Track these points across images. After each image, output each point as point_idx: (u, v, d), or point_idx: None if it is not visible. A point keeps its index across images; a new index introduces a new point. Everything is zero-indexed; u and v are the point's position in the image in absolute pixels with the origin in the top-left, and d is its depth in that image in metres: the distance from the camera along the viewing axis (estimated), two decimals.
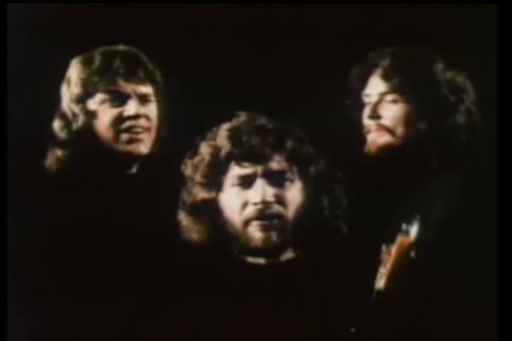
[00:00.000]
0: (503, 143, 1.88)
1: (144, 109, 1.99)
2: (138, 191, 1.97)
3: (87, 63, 1.98)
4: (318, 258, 1.85)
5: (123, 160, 1.99)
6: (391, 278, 1.77)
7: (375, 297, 1.79)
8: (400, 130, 1.89)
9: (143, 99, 1.99)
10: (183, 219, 1.88)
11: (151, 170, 2.01)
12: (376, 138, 1.90)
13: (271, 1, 2.04)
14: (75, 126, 1.97)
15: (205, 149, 1.86)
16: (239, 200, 1.82)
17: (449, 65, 1.91)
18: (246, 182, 1.82)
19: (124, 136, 1.96)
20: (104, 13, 2.07)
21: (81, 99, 1.97)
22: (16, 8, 2.03)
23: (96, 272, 1.87)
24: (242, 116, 1.87)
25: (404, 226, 1.81)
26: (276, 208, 1.81)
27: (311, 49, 2.07)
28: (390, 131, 1.89)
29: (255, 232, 1.81)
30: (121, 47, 2.00)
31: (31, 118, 2.02)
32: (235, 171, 1.83)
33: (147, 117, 1.99)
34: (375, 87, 1.92)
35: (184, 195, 1.88)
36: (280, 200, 1.81)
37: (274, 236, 1.81)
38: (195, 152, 1.88)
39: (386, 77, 1.91)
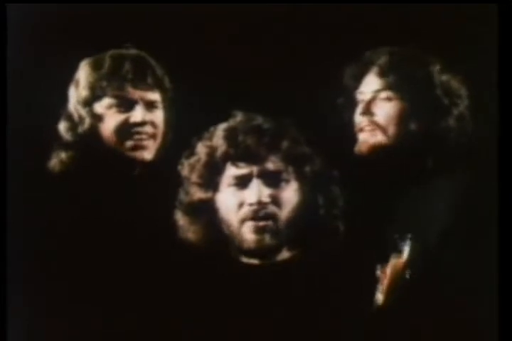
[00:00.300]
0: (501, 148, 1.88)
1: (150, 115, 1.99)
2: (139, 192, 1.97)
3: (96, 66, 1.98)
4: (314, 258, 1.85)
5: (126, 164, 1.99)
6: (388, 296, 1.77)
7: (375, 311, 1.79)
8: (392, 129, 1.89)
9: (150, 105, 1.99)
10: (180, 218, 1.88)
11: (152, 172, 2.01)
12: (368, 138, 1.90)
13: (268, 1, 2.04)
14: (80, 129, 1.97)
15: (201, 149, 1.87)
16: (235, 200, 1.82)
17: (446, 66, 1.91)
18: (242, 182, 1.82)
19: (129, 143, 1.96)
20: (105, 13, 2.07)
21: (88, 102, 1.97)
22: (16, 8, 2.03)
23: (96, 272, 1.88)
24: (239, 116, 1.87)
25: (397, 244, 1.81)
26: (272, 209, 1.81)
27: (307, 49, 2.07)
28: (382, 128, 1.89)
29: (248, 234, 1.81)
30: (131, 51, 2.00)
31: (31, 119, 2.02)
32: (231, 171, 1.84)
33: (153, 124, 1.99)
34: (370, 84, 1.92)
35: (181, 195, 1.88)
36: (276, 201, 1.81)
37: (267, 238, 1.81)
38: (191, 152, 1.88)
39: (382, 74, 1.91)
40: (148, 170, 2.00)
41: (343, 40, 2.03)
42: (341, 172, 1.89)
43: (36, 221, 1.92)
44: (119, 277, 1.87)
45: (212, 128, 1.89)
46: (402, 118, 1.88)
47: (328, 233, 1.87)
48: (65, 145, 1.98)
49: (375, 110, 1.90)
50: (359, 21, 2.05)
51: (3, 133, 1.97)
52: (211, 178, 1.85)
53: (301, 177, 1.85)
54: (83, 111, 1.97)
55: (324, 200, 1.86)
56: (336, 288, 1.81)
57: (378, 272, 1.81)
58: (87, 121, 1.97)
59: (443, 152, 1.88)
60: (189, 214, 1.87)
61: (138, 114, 1.97)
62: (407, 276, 1.78)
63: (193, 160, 1.88)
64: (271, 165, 1.83)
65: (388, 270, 1.79)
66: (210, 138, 1.86)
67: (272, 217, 1.81)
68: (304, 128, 1.89)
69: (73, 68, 2.01)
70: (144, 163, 1.99)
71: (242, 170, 1.83)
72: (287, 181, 1.84)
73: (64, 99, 2.00)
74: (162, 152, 2.00)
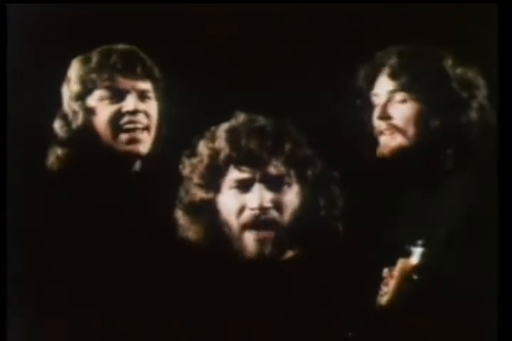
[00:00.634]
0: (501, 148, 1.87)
1: (143, 105, 1.99)
2: (138, 189, 1.97)
3: (85, 61, 1.99)
4: (314, 257, 1.85)
5: (123, 159, 1.99)
6: (393, 298, 1.77)
7: (377, 312, 1.79)
8: (411, 130, 1.87)
9: (142, 95, 1.99)
10: (180, 217, 1.88)
11: (151, 169, 2.01)
12: (389, 141, 1.88)
13: (273, 0, 2.04)
14: (74, 124, 1.98)
15: (203, 150, 1.86)
16: (236, 204, 1.82)
17: (457, 61, 1.89)
18: (244, 185, 1.82)
19: (123, 136, 1.96)
20: (105, 14, 2.07)
21: (80, 96, 1.97)
22: (16, 8, 2.03)
23: (96, 272, 1.87)
24: (241, 117, 1.87)
25: (406, 247, 1.80)
26: (273, 214, 1.81)
27: (313, 49, 2.07)
28: (401, 131, 1.87)
29: (250, 244, 1.81)
30: (119, 46, 2.00)
31: (31, 118, 2.02)
32: (234, 175, 1.83)
33: (146, 114, 1.99)
34: (384, 86, 1.91)
35: (181, 194, 1.88)
36: (277, 205, 1.81)
37: (268, 248, 1.81)
38: (193, 151, 1.88)
39: (394, 75, 1.89)
40: (148, 168, 2.01)
41: (344, 40, 2.04)
42: (343, 173, 1.88)
43: (36, 220, 1.92)
44: (118, 276, 1.86)
45: (213, 128, 1.88)
46: (420, 119, 1.86)
47: (329, 233, 1.87)
48: (61, 143, 1.98)
49: (392, 112, 1.88)
50: (359, 21, 2.05)
51: (3, 133, 1.97)
52: (213, 180, 1.85)
53: (302, 180, 1.85)
54: (76, 106, 1.97)
55: (325, 201, 1.86)
56: (336, 287, 1.81)
57: (385, 274, 1.80)
58: (81, 116, 1.97)
59: (465, 149, 1.86)
60: (189, 213, 1.87)
61: (130, 103, 1.96)
62: (414, 278, 1.77)
63: (195, 160, 1.87)
64: (273, 169, 1.83)
65: (396, 273, 1.78)
66: (212, 139, 1.86)
67: (273, 223, 1.81)
68: (305, 129, 1.89)
69: None
70: (139, 157, 1.98)
71: (245, 174, 1.82)
72: (289, 185, 1.84)
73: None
74: (159, 147, 2.00)
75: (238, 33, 2.08)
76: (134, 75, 1.98)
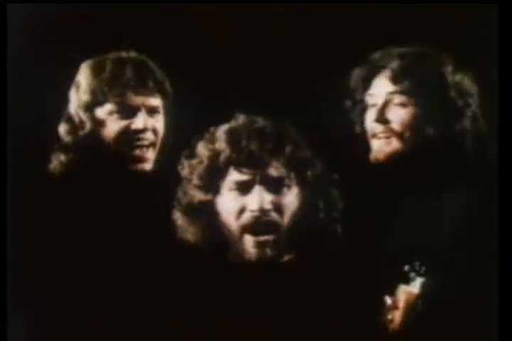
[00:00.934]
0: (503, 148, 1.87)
1: (151, 121, 1.98)
2: (138, 190, 1.96)
3: (97, 70, 1.98)
4: (314, 260, 1.85)
5: (127, 168, 1.98)
6: (402, 325, 1.77)
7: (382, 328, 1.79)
8: (407, 135, 1.86)
9: (151, 111, 1.98)
10: (179, 218, 1.88)
11: (153, 172, 2.01)
12: (383, 146, 1.88)
13: (271, 1, 2.04)
14: (81, 132, 1.97)
15: (203, 152, 1.86)
16: (236, 205, 1.82)
17: (457, 66, 1.89)
18: (244, 187, 1.82)
19: (130, 154, 1.96)
20: (105, 14, 2.07)
21: (89, 107, 1.97)
22: (16, 8, 2.03)
23: (96, 272, 1.88)
24: (240, 118, 1.87)
25: (406, 274, 1.79)
26: (273, 216, 1.81)
27: (314, 49, 2.07)
28: (398, 135, 1.86)
29: (250, 248, 1.81)
30: (131, 54, 1.99)
31: (31, 119, 2.02)
32: (234, 176, 1.83)
33: (154, 130, 1.99)
34: (382, 87, 1.90)
35: (179, 195, 1.88)
36: (277, 207, 1.81)
37: (268, 251, 1.82)
38: (192, 152, 1.88)
39: (395, 78, 1.88)
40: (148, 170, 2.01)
41: (344, 40, 2.03)
42: (344, 175, 1.88)
43: (36, 221, 1.92)
44: (118, 277, 1.87)
45: (212, 129, 1.88)
46: (416, 124, 1.86)
47: (328, 235, 1.86)
48: (65, 147, 1.97)
49: (390, 116, 1.87)
50: (359, 21, 2.04)
51: (3, 133, 1.97)
52: (212, 181, 1.85)
53: (302, 182, 1.85)
54: (84, 116, 1.96)
55: (324, 204, 1.86)
56: (335, 289, 1.81)
57: (388, 303, 1.80)
58: (88, 126, 1.96)
59: (459, 156, 1.86)
60: (188, 214, 1.87)
61: (139, 121, 1.96)
62: (419, 305, 1.77)
63: (194, 162, 1.87)
64: (273, 171, 1.82)
65: (401, 304, 1.78)
66: (212, 141, 1.85)
67: (273, 225, 1.81)
68: (305, 130, 1.88)
69: (73, 68, 2.00)
70: (144, 175, 1.98)
71: (245, 175, 1.82)
72: (289, 187, 1.84)
73: (64, 99, 2.00)
74: (160, 162, 1.99)
75: (238, 33, 2.08)
76: (145, 91, 1.97)
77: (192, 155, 1.88)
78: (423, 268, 1.78)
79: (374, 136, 1.88)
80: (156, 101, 1.99)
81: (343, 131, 1.96)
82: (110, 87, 1.95)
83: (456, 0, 1.98)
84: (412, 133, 1.86)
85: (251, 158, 1.81)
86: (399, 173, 1.89)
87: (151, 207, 1.91)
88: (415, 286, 1.78)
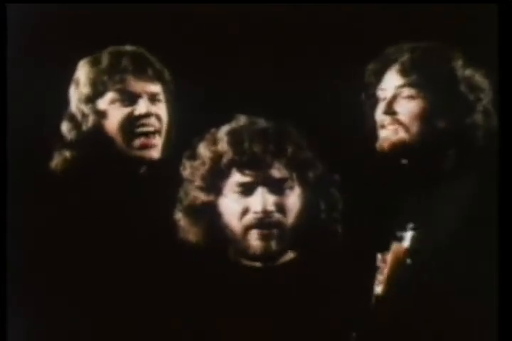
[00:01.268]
0: (503, 146, 1.87)
1: (154, 108, 1.98)
2: (140, 190, 1.97)
3: (94, 63, 1.97)
4: (316, 259, 1.85)
5: (131, 162, 1.98)
6: (389, 284, 1.76)
7: (375, 302, 1.78)
8: (415, 127, 1.85)
9: (153, 98, 1.98)
10: (181, 219, 1.88)
11: (155, 171, 2.01)
12: (390, 135, 1.87)
13: (271, 1, 2.04)
14: (84, 127, 1.96)
15: (205, 153, 1.85)
16: (239, 207, 1.81)
17: (466, 61, 1.89)
18: (246, 189, 1.81)
19: (136, 141, 1.95)
20: (105, 14, 2.07)
21: (90, 99, 1.96)
22: (16, 8, 2.03)
23: (96, 272, 1.87)
24: (241, 119, 1.86)
25: (398, 233, 1.79)
26: (277, 217, 1.81)
27: (313, 49, 2.07)
28: (405, 126, 1.86)
29: (255, 241, 1.80)
30: (128, 48, 1.99)
31: (31, 118, 2.02)
32: (236, 178, 1.82)
33: (158, 117, 1.98)
34: (392, 81, 1.89)
35: (181, 196, 1.88)
36: (280, 208, 1.81)
37: (273, 244, 1.81)
38: (193, 153, 1.87)
39: (404, 71, 1.87)
40: (151, 170, 2.00)
41: (344, 40, 2.04)
42: (344, 175, 1.88)
43: (36, 220, 1.91)
44: (119, 277, 1.86)
45: (213, 130, 1.87)
46: (426, 117, 1.85)
47: (328, 235, 1.86)
48: (69, 145, 1.97)
49: (398, 109, 1.87)
50: (359, 22, 2.05)
51: (3, 133, 1.97)
52: (214, 183, 1.84)
53: (304, 183, 1.84)
54: (86, 109, 1.96)
55: (325, 204, 1.86)
56: (336, 289, 1.81)
57: (379, 261, 1.79)
58: (91, 119, 1.96)
59: (468, 150, 1.86)
60: (189, 215, 1.87)
61: (142, 106, 1.95)
62: (409, 262, 1.75)
63: (196, 163, 1.86)
64: (276, 172, 1.82)
65: (389, 257, 1.77)
66: (214, 142, 1.85)
67: (278, 224, 1.81)
68: (305, 130, 1.88)
69: (73, 68, 2.01)
70: (152, 162, 1.98)
71: (248, 177, 1.81)
72: (291, 187, 1.83)
73: (64, 98, 2.00)
74: (167, 150, 1.99)
75: (238, 33, 2.08)
76: (145, 77, 1.97)
77: (193, 156, 1.87)
78: (413, 225, 1.78)
79: (382, 127, 1.88)
80: (156, 88, 1.99)
81: (344, 130, 1.97)
82: (109, 75, 1.95)
83: (456, 0, 1.99)
84: (421, 126, 1.85)
85: (253, 160, 1.81)
86: (404, 167, 1.89)
87: (154, 206, 1.91)
88: (405, 241, 1.78)
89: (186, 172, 1.88)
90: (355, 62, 1.97)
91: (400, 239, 1.78)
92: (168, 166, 1.95)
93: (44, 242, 1.90)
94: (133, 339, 1.83)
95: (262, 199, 1.80)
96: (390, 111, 1.87)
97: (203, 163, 1.85)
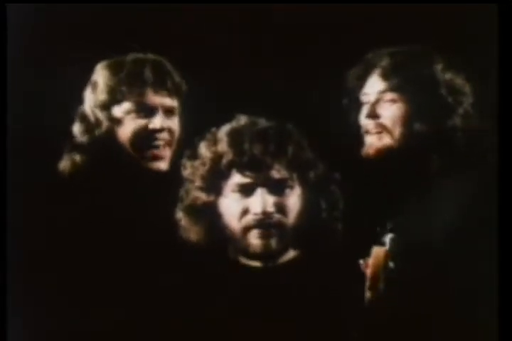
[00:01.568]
0: (503, 146, 1.87)
1: (168, 122, 1.98)
2: (141, 189, 1.96)
3: (115, 70, 1.97)
4: (317, 258, 1.85)
5: (139, 169, 1.98)
6: (373, 289, 1.75)
7: (367, 307, 1.78)
8: (398, 130, 1.88)
9: (168, 112, 1.99)
10: (182, 218, 1.88)
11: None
12: (374, 141, 1.89)
13: (271, 1, 2.04)
14: (97, 131, 1.97)
15: (206, 153, 1.85)
16: (238, 207, 1.82)
17: (448, 65, 1.90)
18: (246, 189, 1.81)
19: (147, 153, 1.96)
20: (105, 13, 2.07)
21: (107, 106, 1.96)
22: (15, 8, 2.03)
23: (97, 272, 1.87)
24: (242, 119, 1.86)
25: (379, 236, 1.79)
26: (277, 217, 1.81)
27: (313, 49, 2.07)
28: (388, 131, 1.88)
29: (255, 239, 1.81)
30: (149, 56, 1.99)
31: (31, 118, 2.02)
32: (236, 179, 1.82)
33: (170, 131, 1.99)
34: (374, 86, 1.92)
35: (182, 195, 1.88)
36: (280, 209, 1.81)
37: (273, 243, 1.81)
38: (194, 153, 1.88)
39: (385, 76, 1.90)
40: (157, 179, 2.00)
41: (344, 40, 2.04)
42: (343, 174, 1.88)
43: (36, 220, 1.91)
44: (120, 277, 1.86)
45: (214, 129, 1.88)
46: (407, 120, 1.87)
47: (329, 234, 1.87)
48: (80, 147, 1.97)
49: (381, 112, 1.89)
50: (359, 21, 2.05)
51: (3, 133, 1.97)
52: (215, 183, 1.84)
53: (304, 183, 1.84)
54: (101, 115, 1.96)
55: (326, 203, 1.86)
56: (336, 289, 1.81)
57: (362, 266, 1.78)
58: (105, 125, 1.96)
59: (451, 153, 1.87)
60: (190, 215, 1.87)
61: (157, 121, 1.96)
62: (391, 266, 1.74)
63: (196, 163, 1.86)
64: (276, 173, 1.82)
65: (371, 260, 1.76)
66: (214, 142, 1.85)
67: (277, 226, 1.81)
68: (306, 130, 1.88)
69: (73, 68, 2.00)
70: (159, 174, 1.98)
71: (248, 178, 1.82)
72: (291, 188, 1.83)
73: (65, 98, 2.00)
74: (175, 161, 1.99)
75: (238, 33, 2.08)
76: (163, 90, 1.97)
77: (194, 155, 1.87)
78: (391, 225, 1.78)
79: (367, 132, 1.90)
80: (172, 102, 1.99)
81: (344, 130, 1.97)
82: (129, 86, 1.95)
83: (456, 0, 1.99)
84: (403, 129, 1.87)
85: (253, 161, 1.81)
86: (395, 170, 1.90)
87: (155, 206, 1.91)
88: (385, 243, 1.77)
89: (187, 172, 1.88)
90: (355, 62, 1.96)
91: (382, 244, 1.78)
92: (170, 166, 1.96)
93: (44, 242, 1.90)
94: (133, 339, 1.83)
95: (261, 201, 1.80)
96: (372, 114, 1.89)
97: (203, 164, 1.85)
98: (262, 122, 1.86)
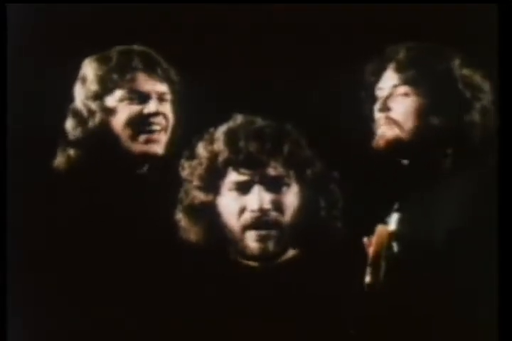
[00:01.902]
0: (503, 146, 1.87)
1: (162, 107, 1.99)
2: (141, 190, 1.97)
3: (103, 61, 1.98)
4: (316, 257, 1.85)
5: (135, 160, 1.99)
6: (374, 270, 1.73)
7: (366, 291, 1.76)
8: (409, 124, 1.85)
9: (161, 97, 1.99)
10: (181, 219, 1.88)
11: (158, 171, 2.01)
12: (385, 132, 1.87)
13: (271, 1, 2.05)
14: (90, 124, 1.97)
15: (202, 153, 1.86)
16: (236, 206, 1.82)
17: (465, 62, 1.89)
18: (243, 187, 1.82)
19: (142, 136, 1.96)
20: (105, 13, 2.07)
21: (99, 96, 1.97)
22: (15, 8, 2.03)
23: (97, 272, 1.87)
24: (239, 118, 1.87)
25: (383, 215, 1.77)
26: (274, 215, 1.81)
27: (313, 49, 2.08)
28: (398, 124, 1.86)
29: (252, 242, 1.81)
30: (136, 47, 2.00)
31: (31, 118, 2.02)
32: (233, 177, 1.83)
33: (165, 116, 1.99)
34: (389, 80, 1.90)
35: (181, 196, 1.88)
36: (277, 206, 1.81)
37: (270, 245, 1.82)
38: (192, 153, 1.88)
39: (399, 69, 1.88)
40: (153, 169, 2.00)
41: (343, 40, 2.04)
42: (343, 172, 1.88)
43: (36, 220, 1.91)
44: (120, 277, 1.86)
45: (211, 129, 1.88)
46: (420, 114, 1.85)
47: (328, 233, 1.87)
48: (73, 143, 1.97)
49: (392, 105, 1.87)
50: (359, 21, 2.05)
51: (3, 132, 1.97)
52: (212, 182, 1.85)
53: (301, 181, 1.85)
54: (93, 105, 1.96)
55: (325, 202, 1.86)
56: (338, 286, 1.81)
57: (365, 244, 1.76)
58: (98, 115, 1.96)
59: (465, 149, 1.86)
60: (190, 215, 1.87)
61: (152, 105, 1.97)
62: (395, 248, 1.72)
63: (194, 163, 1.87)
64: (272, 170, 1.82)
65: (374, 238, 1.74)
66: (211, 141, 1.86)
67: (276, 223, 1.81)
68: (305, 129, 1.88)
69: (73, 67, 2.01)
70: (155, 158, 1.98)
71: (244, 176, 1.82)
72: (288, 185, 1.84)
73: (65, 97, 2.00)
74: (170, 148, 1.99)
75: (238, 33, 2.08)
76: (154, 77, 1.98)
77: (192, 156, 1.88)
78: (399, 205, 1.76)
79: (379, 126, 1.89)
80: (164, 88, 2.00)
81: (344, 129, 1.97)
82: (119, 74, 1.95)
83: (456, 0, 1.99)
84: (416, 123, 1.85)
85: (249, 159, 1.81)
86: (400, 164, 1.88)
87: (155, 206, 1.91)
88: (391, 223, 1.75)
89: (185, 172, 1.89)
90: (354, 61, 1.97)
91: (386, 223, 1.75)
92: (170, 166, 1.95)
93: (44, 242, 1.90)
94: (133, 339, 1.83)
95: (258, 198, 1.80)
96: (384, 107, 1.87)
97: (200, 163, 1.86)
98: (259, 121, 1.87)
